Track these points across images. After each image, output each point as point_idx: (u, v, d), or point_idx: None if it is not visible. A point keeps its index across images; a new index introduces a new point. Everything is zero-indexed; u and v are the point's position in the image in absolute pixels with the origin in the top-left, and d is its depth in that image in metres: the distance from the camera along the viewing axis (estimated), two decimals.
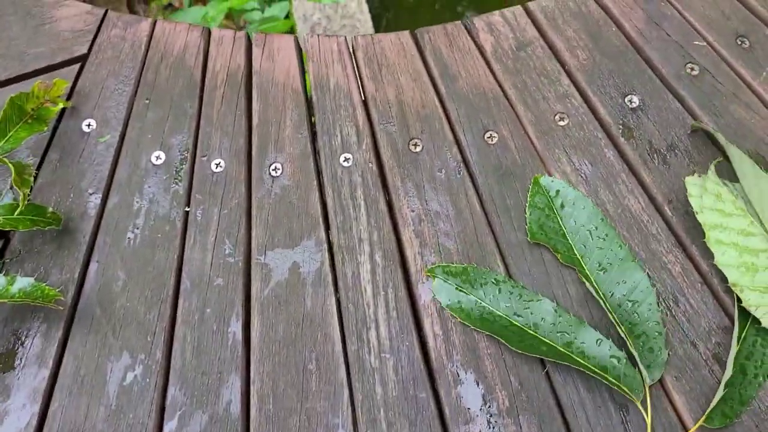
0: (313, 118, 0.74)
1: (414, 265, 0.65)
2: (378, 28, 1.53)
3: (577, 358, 0.58)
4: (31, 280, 0.59)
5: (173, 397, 0.59)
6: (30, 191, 0.64)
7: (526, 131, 0.73)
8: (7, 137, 0.64)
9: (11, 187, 0.67)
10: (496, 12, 0.84)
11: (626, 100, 0.75)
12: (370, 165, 0.71)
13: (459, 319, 0.61)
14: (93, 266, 0.65)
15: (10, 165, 0.61)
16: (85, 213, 0.67)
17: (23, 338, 0.62)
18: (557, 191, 0.67)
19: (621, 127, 0.73)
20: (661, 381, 0.59)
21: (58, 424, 0.58)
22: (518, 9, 0.84)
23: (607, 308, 0.61)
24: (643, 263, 0.64)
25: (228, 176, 0.70)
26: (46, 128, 0.68)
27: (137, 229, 0.67)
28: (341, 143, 0.71)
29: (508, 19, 0.83)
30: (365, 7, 1.48)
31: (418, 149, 0.72)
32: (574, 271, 0.64)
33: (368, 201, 0.68)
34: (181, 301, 0.63)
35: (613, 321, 0.60)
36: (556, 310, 0.61)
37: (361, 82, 0.77)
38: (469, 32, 0.82)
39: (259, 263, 0.65)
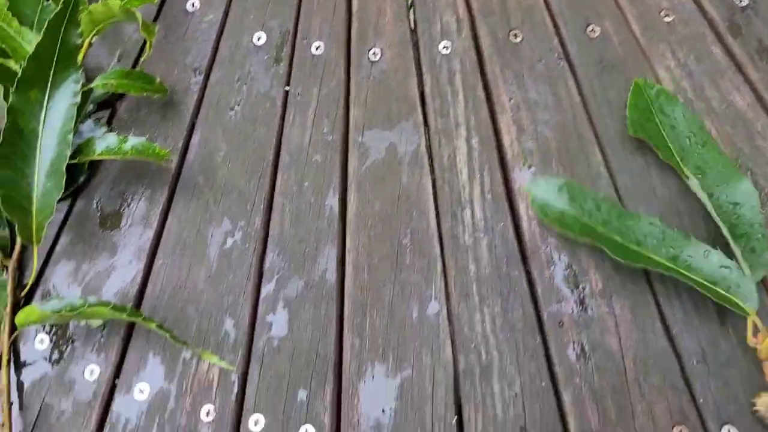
0: (412, 7, 0.74)
1: (510, 150, 0.66)
2: None
3: (684, 272, 0.57)
4: (143, 139, 0.62)
5: (271, 261, 0.62)
6: (150, 48, 0.66)
7: (630, 26, 0.72)
8: (124, 2, 0.67)
9: (119, 59, 0.70)
10: None
11: None
12: (469, 53, 0.71)
13: (559, 229, 0.61)
14: (196, 137, 0.68)
15: (138, 15, 0.64)
16: (188, 88, 0.69)
17: (129, 200, 0.65)
18: (657, 95, 0.66)
19: (728, 24, 0.72)
20: (763, 281, 0.58)
21: (161, 281, 0.61)
22: None
23: (709, 207, 0.60)
24: (748, 159, 0.64)
25: (327, 59, 0.71)
26: (155, 0, 0.70)
27: (239, 105, 0.69)
28: (441, 31, 0.72)
29: None
30: None
31: (518, 40, 0.72)
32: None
33: (466, 87, 0.69)
34: (280, 174, 0.66)
35: (715, 219, 0.59)
36: (659, 227, 0.59)
37: None
38: None
39: (356, 142, 0.67)
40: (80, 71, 0.61)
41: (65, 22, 0.60)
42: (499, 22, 0.72)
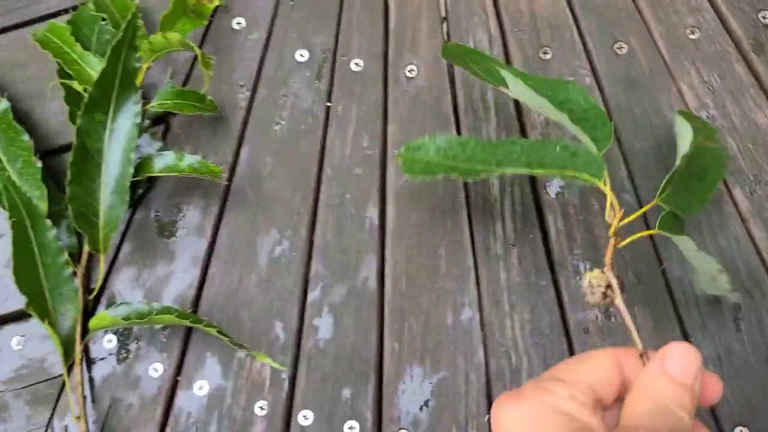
0: (447, 24, 0.79)
1: None
2: None
3: (540, 170, 0.58)
4: (198, 157, 0.68)
5: (316, 269, 0.68)
6: (209, 80, 0.72)
7: (656, 43, 0.76)
8: (175, 28, 0.73)
9: (171, 77, 0.76)
10: None
11: (759, 15, 0.77)
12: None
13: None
14: (244, 151, 0.74)
15: (197, 49, 0.69)
16: (236, 104, 0.75)
17: (185, 211, 0.71)
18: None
19: (752, 42, 0.76)
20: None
21: (215, 287, 0.68)
22: None
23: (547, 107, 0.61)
24: None
25: (366, 75, 0.76)
26: (205, 22, 0.76)
27: (283, 120, 0.75)
28: (473, 48, 0.77)
29: None
30: None
31: (548, 56, 0.76)
32: None
33: (498, 104, 0.74)
34: (323, 187, 0.72)
35: (555, 116, 0.61)
36: (521, 146, 0.60)
37: None
38: None
39: (394, 156, 0.72)
40: (139, 93, 0.68)
41: (126, 48, 0.66)
42: (530, 39, 0.77)
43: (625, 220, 0.55)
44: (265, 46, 0.78)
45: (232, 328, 0.65)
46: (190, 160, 0.68)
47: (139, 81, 0.68)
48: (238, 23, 0.79)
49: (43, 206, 0.65)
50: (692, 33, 0.76)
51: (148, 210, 0.71)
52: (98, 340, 0.66)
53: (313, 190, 0.71)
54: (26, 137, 0.68)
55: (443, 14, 0.80)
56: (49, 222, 0.64)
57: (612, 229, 0.54)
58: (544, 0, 0.79)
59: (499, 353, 0.63)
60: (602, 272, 0.49)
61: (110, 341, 0.66)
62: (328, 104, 0.75)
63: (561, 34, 0.77)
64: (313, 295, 0.67)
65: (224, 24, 0.79)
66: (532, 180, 0.70)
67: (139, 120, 0.67)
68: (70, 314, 0.63)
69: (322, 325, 0.65)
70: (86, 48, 0.72)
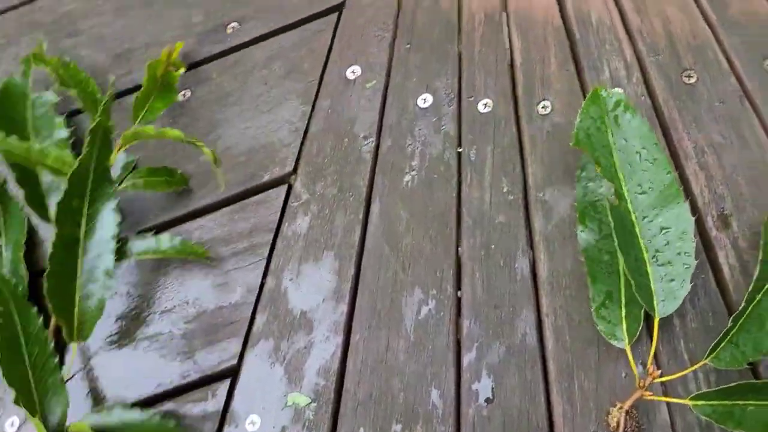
0: (577, 54, 0.76)
1: (701, 197, 0.67)
2: None
3: None
4: (180, 238, 0.68)
5: (469, 328, 0.64)
6: (223, 183, 0.71)
7: None
8: (146, 108, 0.73)
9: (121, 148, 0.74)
10: None
11: None
12: (643, 98, 0.72)
13: None
14: (375, 207, 0.71)
15: (206, 149, 0.67)
16: (360, 157, 0.73)
17: (317, 275, 0.68)
18: (615, 105, 0.66)
19: None
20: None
21: (361, 355, 0.64)
22: None
23: (637, 231, 0.61)
24: None
25: (496, 116, 0.74)
26: (176, 97, 0.75)
27: (413, 170, 0.72)
28: (610, 77, 0.73)
29: None
30: None
31: (693, 80, 0.73)
32: None
33: None
34: (464, 238, 0.68)
35: (642, 246, 0.61)
36: None
37: (625, 14, 0.78)
38: None
39: (538, 199, 0.69)
40: (115, 185, 0.67)
41: (100, 136, 0.64)
42: (670, 63, 0.73)
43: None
44: (384, 94, 0.76)
45: (384, 399, 0.61)
46: (172, 241, 0.67)
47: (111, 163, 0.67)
48: (353, 72, 0.77)
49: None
50: None
51: (278, 278, 0.69)
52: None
53: (455, 242, 0.68)
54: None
55: (572, 44, 0.78)
56: (35, 309, 0.62)
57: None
58: (681, 20, 0.76)
59: (684, 410, 0.59)
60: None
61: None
62: (459, 150, 0.72)
63: (704, 55, 0.74)
64: (468, 357, 0.63)
65: (338, 74, 0.77)
66: (695, 212, 0.66)
67: (115, 206, 0.66)
68: (58, 409, 0.61)
69: (483, 389, 0.61)
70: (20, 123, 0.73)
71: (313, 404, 0.62)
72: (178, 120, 0.78)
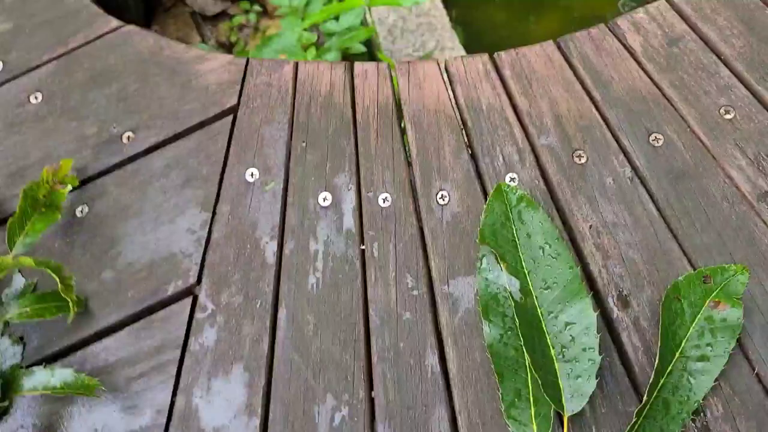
0: (471, 142, 0.77)
1: (600, 278, 0.68)
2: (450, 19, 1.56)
3: None
4: (71, 371, 0.65)
5: None
6: (73, 310, 0.68)
7: (692, 129, 0.75)
8: (26, 231, 0.71)
9: (19, 270, 0.73)
10: (640, 10, 0.86)
11: None
12: (537, 182, 0.74)
13: None
14: (282, 313, 0.70)
15: (54, 275, 0.67)
16: (264, 262, 0.72)
17: (223, 389, 0.67)
18: (518, 200, 0.69)
19: None
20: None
21: None
22: (662, 3, 0.87)
23: (544, 328, 0.63)
24: None
25: (396, 209, 0.74)
26: (59, 215, 0.73)
27: (318, 272, 0.71)
28: (504, 163, 0.75)
29: (654, 16, 0.85)
30: (439, 3, 1.52)
31: (583, 160, 0.74)
32: None
33: None
34: (373, 339, 0.68)
35: (548, 343, 0.63)
36: None
37: (513, 98, 0.80)
38: (614, 34, 0.84)
39: (443, 293, 0.69)
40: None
41: None
42: (561, 145, 0.75)
43: None
44: (284, 195, 0.75)
45: None
46: (62, 375, 0.65)
47: None
48: (252, 174, 0.76)
49: None
50: (727, 113, 0.74)
51: (189, 395, 0.67)
52: None
53: (364, 344, 0.67)
54: None
55: (465, 131, 0.79)
56: None
57: None
58: (567, 100, 0.78)
59: None
60: None
61: None
62: (362, 247, 0.72)
63: (592, 134, 0.75)
64: None
65: (237, 178, 0.76)
66: (596, 294, 0.67)
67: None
68: None
69: None
70: None
71: None
72: (75, 238, 0.76)
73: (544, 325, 0.63)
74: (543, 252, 0.67)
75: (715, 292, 0.63)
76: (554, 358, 0.62)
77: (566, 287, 0.65)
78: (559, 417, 0.61)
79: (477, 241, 0.68)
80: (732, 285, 0.63)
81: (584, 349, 0.61)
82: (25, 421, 0.67)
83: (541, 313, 0.64)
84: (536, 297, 0.65)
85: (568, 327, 0.63)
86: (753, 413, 0.60)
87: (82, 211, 0.77)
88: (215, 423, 0.65)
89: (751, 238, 0.68)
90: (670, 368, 0.61)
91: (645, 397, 0.59)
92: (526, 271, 0.66)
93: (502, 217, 0.69)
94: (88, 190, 0.78)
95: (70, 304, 0.66)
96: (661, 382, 0.60)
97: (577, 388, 0.61)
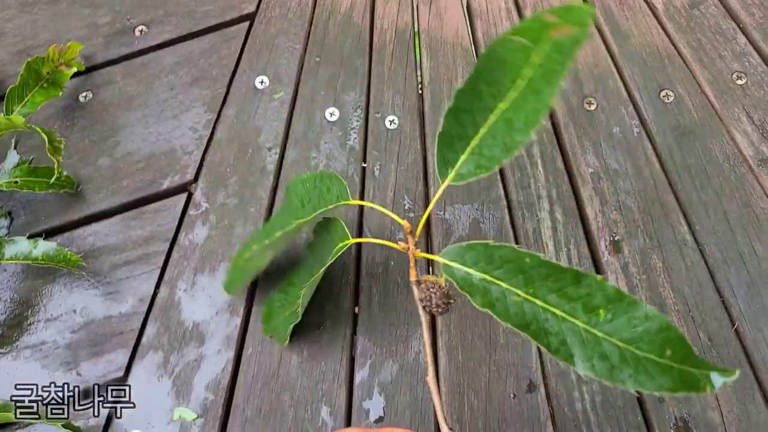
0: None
1: (595, 222, 0.69)
2: None
3: None
4: (54, 244, 0.65)
5: (363, 346, 0.64)
6: (59, 168, 0.68)
7: (703, 90, 0.75)
8: (24, 101, 0.70)
9: (15, 147, 0.74)
10: None
11: None
12: (544, 123, 0.74)
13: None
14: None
15: (43, 134, 0.66)
16: (264, 168, 0.72)
17: (210, 285, 0.67)
18: None
19: None
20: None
21: (253, 369, 0.63)
22: None
23: None
24: None
25: (402, 132, 0.74)
26: (60, 92, 0.73)
27: None
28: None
29: None
30: None
31: (593, 107, 0.75)
32: (760, 228, 0.66)
33: (545, 158, 0.72)
34: (363, 257, 0.68)
35: None
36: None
37: None
38: None
39: (439, 218, 0.69)
40: None
41: None
42: (573, 90, 0.76)
43: None
44: (291, 106, 0.75)
45: (273, 416, 0.60)
46: (44, 247, 0.64)
47: None
48: (262, 82, 0.76)
49: None
50: (739, 78, 0.75)
51: (173, 287, 0.67)
52: None
53: (354, 258, 0.68)
54: None
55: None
56: None
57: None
58: (584, 48, 0.78)
59: (569, 429, 0.59)
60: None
61: None
62: (364, 165, 0.72)
63: (604, 84, 0.76)
64: (361, 375, 0.62)
65: (246, 83, 0.76)
66: (588, 237, 0.67)
67: None
68: None
69: (374, 408, 0.61)
70: None
71: (200, 419, 0.60)
72: (75, 122, 0.75)
73: None
74: None
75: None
76: None
77: None
78: None
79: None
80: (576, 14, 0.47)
81: None
82: (2, 295, 0.67)
83: None
84: None
85: None
86: (727, 366, 0.62)
87: (85, 97, 0.76)
88: (196, 317, 0.66)
89: (747, 200, 0.69)
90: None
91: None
92: None
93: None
94: (94, 78, 0.77)
95: (56, 165, 0.66)
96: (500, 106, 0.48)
97: None
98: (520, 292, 0.46)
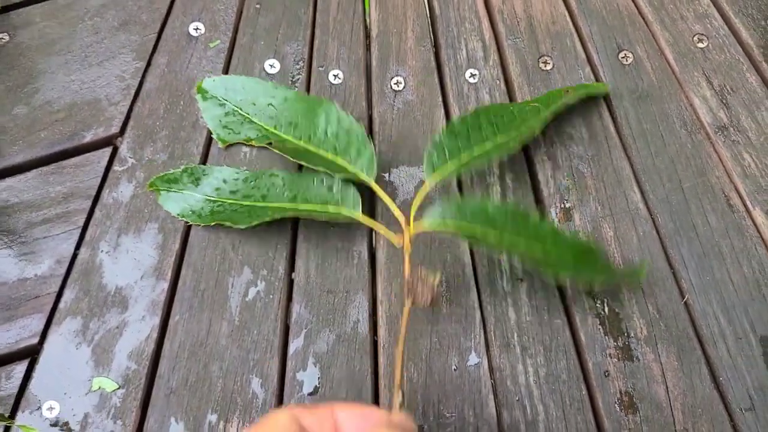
0: (436, 31, 0.73)
1: (546, 188, 0.66)
2: None
3: (301, 207, 0.62)
4: None
5: (298, 314, 0.61)
6: None
7: (663, 52, 0.73)
8: None
9: None
10: None
11: None
12: (498, 82, 0.71)
13: (192, 222, 0.63)
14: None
15: None
16: (196, 122, 0.67)
17: (137, 249, 0.63)
18: (225, 89, 0.68)
19: (764, 50, 0.73)
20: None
21: (179, 338, 0.60)
22: None
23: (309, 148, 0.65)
24: None
25: (347, 88, 0.70)
26: None
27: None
28: (467, 58, 0.72)
29: None
30: None
31: (549, 67, 0.72)
32: (714, 198, 0.65)
33: None
34: (302, 221, 0.65)
35: (318, 153, 0.64)
36: (283, 178, 0.64)
37: None
38: None
39: (384, 180, 0.66)
40: None
41: None
42: (528, 47, 0.72)
43: None
44: (228, 55, 0.71)
45: (199, 386, 0.57)
46: None
47: None
48: (196, 29, 0.71)
49: None
50: (700, 41, 0.73)
51: (95, 249, 0.62)
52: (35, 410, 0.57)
53: (291, 221, 0.65)
54: None
55: (432, 19, 0.75)
56: None
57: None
58: (541, 3, 0.75)
59: (511, 403, 0.57)
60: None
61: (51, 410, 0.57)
62: None
63: (561, 42, 0.73)
64: (295, 344, 0.59)
65: (179, 30, 0.71)
66: (539, 203, 0.65)
67: None
68: None
69: (308, 379, 0.58)
70: None
71: (121, 390, 0.57)
72: None
73: None
74: (275, 106, 0.67)
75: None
76: None
77: (308, 112, 0.66)
78: None
79: (222, 147, 0.66)
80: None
81: None
82: None
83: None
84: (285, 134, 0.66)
85: None
86: (675, 339, 0.60)
87: (1, 40, 0.70)
88: (119, 281, 0.61)
89: (702, 168, 0.68)
90: None
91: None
92: (272, 127, 0.66)
93: (222, 109, 0.68)
94: (11, 19, 0.71)
95: None
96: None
97: None
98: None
